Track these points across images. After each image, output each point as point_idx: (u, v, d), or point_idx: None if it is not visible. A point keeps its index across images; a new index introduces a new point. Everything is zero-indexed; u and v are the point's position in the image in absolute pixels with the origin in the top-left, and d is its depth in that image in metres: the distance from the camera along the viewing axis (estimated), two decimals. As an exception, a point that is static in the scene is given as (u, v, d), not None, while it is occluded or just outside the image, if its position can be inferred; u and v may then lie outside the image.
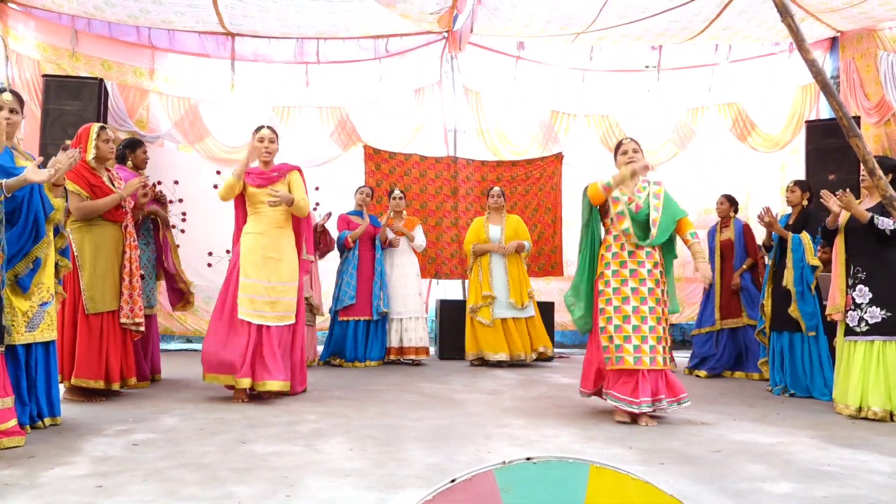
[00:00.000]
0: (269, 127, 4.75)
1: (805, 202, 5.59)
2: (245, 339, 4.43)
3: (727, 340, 6.42)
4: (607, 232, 4.25)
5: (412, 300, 6.92)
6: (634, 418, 4.02)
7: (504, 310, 6.79)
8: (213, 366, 4.51)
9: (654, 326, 4.00)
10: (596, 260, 4.24)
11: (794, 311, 5.29)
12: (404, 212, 7.13)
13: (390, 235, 6.94)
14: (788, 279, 5.32)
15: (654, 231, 4.07)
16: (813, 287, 5.29)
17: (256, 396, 4.57)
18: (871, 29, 7.27)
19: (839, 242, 4.68)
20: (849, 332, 4.53)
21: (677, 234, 4.24)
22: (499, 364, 6.71)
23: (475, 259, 6.91)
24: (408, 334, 6.87)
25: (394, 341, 6.89)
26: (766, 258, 5.86)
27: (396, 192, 7.11)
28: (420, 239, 7.06)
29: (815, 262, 5.30)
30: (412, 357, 6.86)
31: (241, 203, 4.74)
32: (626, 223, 4.09)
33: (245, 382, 4.38)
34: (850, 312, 4.51)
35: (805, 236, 5.33)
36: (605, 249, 4.20)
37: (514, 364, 6.79)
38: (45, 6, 7.08)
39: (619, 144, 4.36)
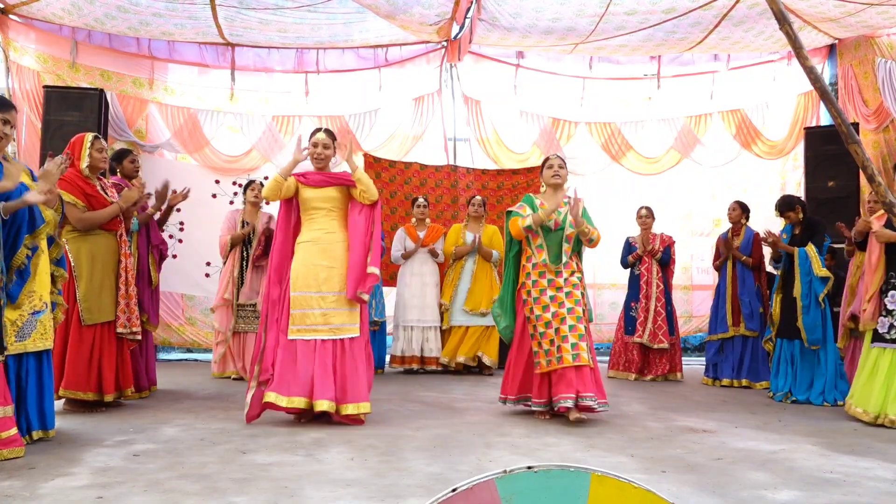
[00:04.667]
0: (326, 130, 4.49)
1: (801, 215, 5.57)
2: (311, 358, 4.14)
3: (741, 347, 6.34)
4: (529, 244, 4.48)
5: (430, 310, 6.88)
6: (560, 413, 4.23)
7: (461, 316, 6.83)
8: (283, 386, 4.10)
9: (574, 325, 4.25)
10: (518, 273, 4.53)
11: (799, 323, 5.29)
12: (427, 219, 7.14)
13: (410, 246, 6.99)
14: (797, 291, 5.32)
15: (566, 247, 4.42)
16: (821, 298, 5.27)
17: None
18: (868, 36, 7.29)
19: (879, 248, 4.58)
20: (877, 338, 4.48)
21: None
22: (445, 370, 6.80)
23: (453, 263, 6.95)
24: (428, 344, 6.85)
25: (415, 350, 6.84)
26: (776, 269, 5.80)
27: (421, 201, 7.12)
28: (442, 255, 7.06)
29: (824, 273, 5.27)
30: (433, 367, 6.84)
31: (289, 213, 4.43)
32: (544, 255, 4.41)
33: (324, 405, 4.02)
34: (880, 318, 4.47)
35: (811, 249, 5.33)
36: (527, 260, 4.48)
37: (454, 371, 6.79)
38: (45, 18, 7.11)
39: (546, 160, 4.64)
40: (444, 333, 6.93)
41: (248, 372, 6.04)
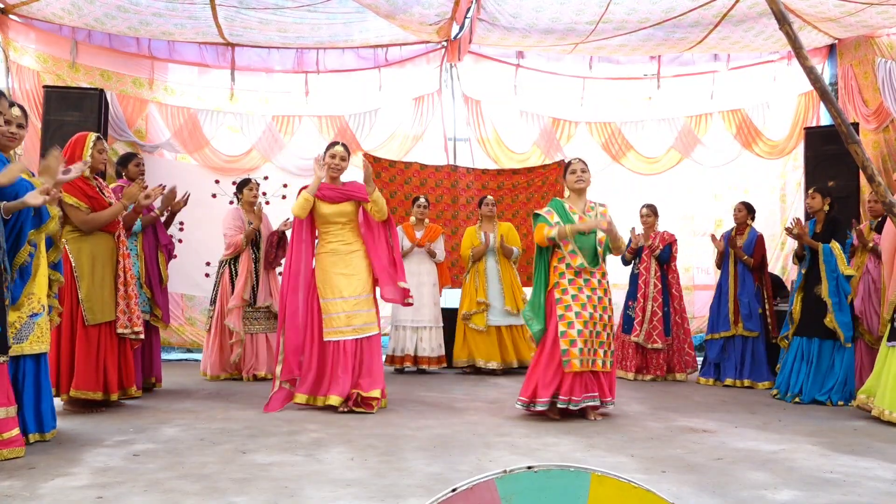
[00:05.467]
0: (342, 144, 4.88)
1: (826, 207, 5.47)
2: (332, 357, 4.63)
3: (741, 347, 6.32)
4: (560, 248, 4.49)
5: (426, 309, 6.83)
6: (581, 412, 4.40)
7: (498, 317, 6.82)
8: (309, 386, 4.62)
9: (599, 332, 4.41)
10: (549, 277, 4.55)
11: (830, 321, 5.18)
12: (426, 220, 7.12)
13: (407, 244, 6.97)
14: (824, 290, 5.23)
15: (600, 250, 4.49)
16: (849, 298, 5.20)
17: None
18: (868, 36, 7.29)
19: None
20: (893, 337, 4.46)
21: None
22: (492, 372, 6.72)
23: (472, 265, 6.93)
24: (423, 344, 6.83)
25: (408, 349, 6.81)
26: (800, 268, 5.65)
27: (422, 201, 7.09)
28: (440, 254, 7.05)
29: (849, 271, 5.20)
30: (425, 367, 6.82)
31: (302, 224, 4.78)
32: (580, 259, 4.43)
33: (334, 399, 4.53)
34: None
35: (836, 246, 5.25)
36: (559, 261, 4.48)
37: (506, 371, 6.78)
38: (45, 18, 7.11)
39: (569, 164, 4.69)
40: (481, 335, 6.83)
41: (250, 370, 6.12)
